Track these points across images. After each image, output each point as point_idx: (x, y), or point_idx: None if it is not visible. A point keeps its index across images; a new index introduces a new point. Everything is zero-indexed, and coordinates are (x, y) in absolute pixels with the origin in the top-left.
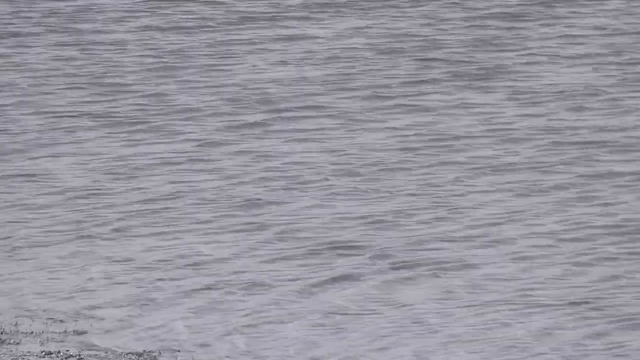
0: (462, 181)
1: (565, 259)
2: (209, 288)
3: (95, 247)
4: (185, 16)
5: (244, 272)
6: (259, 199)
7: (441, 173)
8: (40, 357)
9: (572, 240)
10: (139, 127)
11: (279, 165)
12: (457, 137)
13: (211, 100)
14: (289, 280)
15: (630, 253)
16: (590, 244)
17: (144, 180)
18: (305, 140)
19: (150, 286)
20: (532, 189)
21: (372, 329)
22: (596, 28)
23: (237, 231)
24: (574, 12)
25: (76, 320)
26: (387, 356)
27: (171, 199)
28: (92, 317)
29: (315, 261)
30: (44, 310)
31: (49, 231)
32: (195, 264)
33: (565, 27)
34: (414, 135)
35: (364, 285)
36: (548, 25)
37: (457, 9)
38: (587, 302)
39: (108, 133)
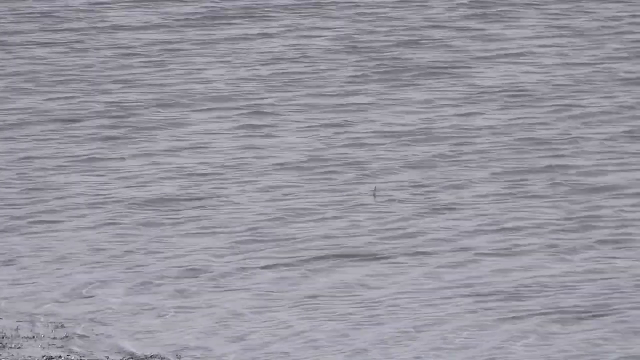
0: (404, 177)
1: (502, 251)
2: (209, 291)
3: (96, 251)
4: (129, 16)
5: (237, 274)
6: (207, 196)
7: (382, 168)
8: None
9: (505, 232)
10: (83, 123)
11: (220, 161)
12: (399, 134)
13: (150, 99)
14: (278, 281)
15: (574, 247)
16: (524, 238)
17: (117, 179)
18: (248, 137)
19: (150, 290)
20: (471, 184)
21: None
22: (541, 27)
23: (226, 234)
24: (517, 12)
25: (78, 325)
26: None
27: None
28: (94, 322)
29: (285, 255)
30: (46, 315)
31: (48, 235)
32: (193, 267)
33: (507, 28)
34: (361, 131)
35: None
36: (490, 25)
37: (400, 9)
38: (516, 298)
39: (41, 131)
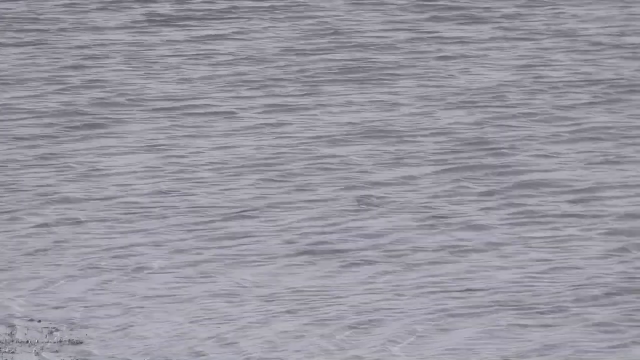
0: (355, 175)
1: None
2: (203, 297)
3: (91, 256)
4: (91, 17)
5: (233, 280)
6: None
7: (337, 168)
8: None
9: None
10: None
11: (178, 160)
12: (353, 134)
13: (106, 97)
14: (267, 284)
15: (519, 237)
16: (469, 235)
17: (110, 187)
18: (195, 136)
19: (144, 295)
20: (417, 182)
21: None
22: (492, 31)
23: (219, 239)
24: (471, 15)
25: (71, 330)
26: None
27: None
28: (87, 327)
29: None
30: (40, 321)
31: (46, 243)
32: (187, 273)
33: (463, 32)
34: (316, 131)
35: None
36: (443, 27)
37: (356, 10)
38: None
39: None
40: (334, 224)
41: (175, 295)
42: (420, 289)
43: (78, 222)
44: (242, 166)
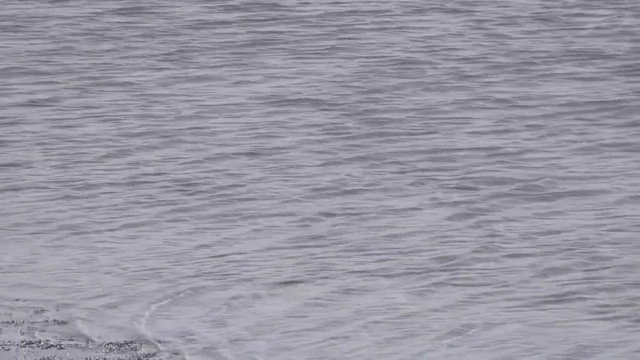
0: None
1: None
2: (188, 278)
3: (77, 236)
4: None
5: (220, 262)
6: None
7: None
8: (20, 346)
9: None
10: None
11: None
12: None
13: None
14: (261, 269)
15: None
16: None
17: (112, 168)
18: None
19: (130, 277)
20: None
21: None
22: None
23: (205, 220)
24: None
25: (57, 310)
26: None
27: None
28: (73, 307)
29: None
30: (25, 300)
31: (29, 220)
32: (174, 254)
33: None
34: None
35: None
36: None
37: None
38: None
39: None
40: (217, 191)
41: (158, 273)
42: (304, 260)
43: (55, 198)
44: (151, 134)
